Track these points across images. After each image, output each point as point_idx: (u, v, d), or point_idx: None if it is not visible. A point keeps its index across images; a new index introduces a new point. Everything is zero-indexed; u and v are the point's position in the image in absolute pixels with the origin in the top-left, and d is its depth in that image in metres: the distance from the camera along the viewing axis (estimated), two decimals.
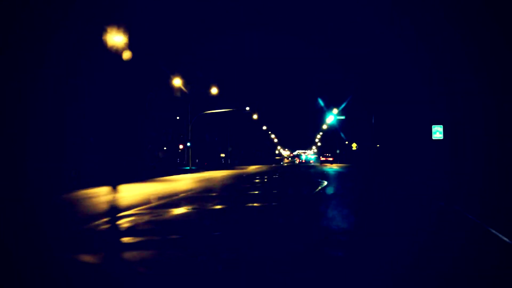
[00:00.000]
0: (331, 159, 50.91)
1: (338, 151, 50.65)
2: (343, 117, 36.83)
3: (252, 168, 33.91)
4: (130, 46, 19.85)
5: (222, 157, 49.29)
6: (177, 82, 27.19)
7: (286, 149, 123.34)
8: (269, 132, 67.49)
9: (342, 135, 43.44)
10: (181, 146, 32.59)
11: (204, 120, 36.50)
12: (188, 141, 30.29)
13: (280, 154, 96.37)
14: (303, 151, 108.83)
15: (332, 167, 33.34)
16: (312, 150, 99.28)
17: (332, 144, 53.82)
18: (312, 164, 52.44)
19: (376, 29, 30.93)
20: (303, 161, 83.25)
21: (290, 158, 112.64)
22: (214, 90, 30.03)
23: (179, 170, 27.25)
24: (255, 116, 47.87)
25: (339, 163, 46.24)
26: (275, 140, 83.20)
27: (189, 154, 29.91)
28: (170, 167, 30.64)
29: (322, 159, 52.40)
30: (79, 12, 18.39)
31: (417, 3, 23.81)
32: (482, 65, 18.57)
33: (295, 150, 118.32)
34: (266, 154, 65.04)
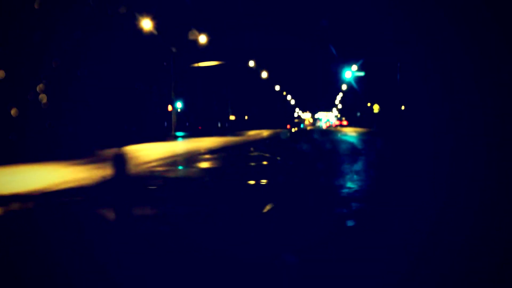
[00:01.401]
0: (345, 123, 47.62)
1: (358, 114, 45.60)
2: (362, 73, 31.63)
3: (252, 134, 30.37)
4: None
5: (232, 120, 44.50)
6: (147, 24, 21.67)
7: (307, 112, 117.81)
8: (284, 93, 62.11)
9: (356, 89, 38.46)
10: (170, 108, 27.72)
11: (200, 79, 31.57)
12: (172, 102, 25.55)
13: (299, 117, 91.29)
14: (325, 113, 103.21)
15: (347, 133, 29.60)
16: (332, 113, 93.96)
17: (352, 106, 49.20)
18: (326, 129, 47.93)
19: None
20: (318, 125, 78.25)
21: (312, 120, 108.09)
22: (202, 39, 24.64)
23: (158, 137, 22.64)
24: (264, 75, 42.82)
25: (358, 127, 41.29)
26: (292, 102, 77.75)
27: (172, 118, 25.26)
28: (154, 132, 25.95)
29: (337, 123, 48.63)
30: None
31: None
32: None
33: (316, 112, 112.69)
34: (282, 117, 59.67)
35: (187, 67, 27.66)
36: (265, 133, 33.08)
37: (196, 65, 26.42)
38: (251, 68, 39.59)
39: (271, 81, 50.62)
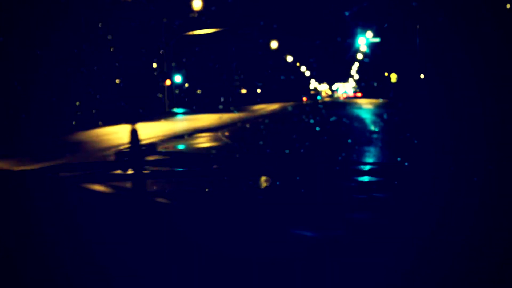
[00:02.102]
0: (359, 94, 45.57)
1: (375, 84, 43.07)
2: (377, 39, 28.97)
3: (258, 108, 28.78)
4: None
5: (243, 93, 42.22)
6: None
7: (324, 83, 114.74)
8: (297, 64, 59.32)
9: (371, 58, 35.99)
10: (168, 82, 25.50)
11: (203, 50, 29.13)
12: (165, 76, 23.36)
13: (315, 89, 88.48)
14: (342, 83, 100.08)
15: (362, 106, 27.74)
16: (349, 83, 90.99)
17: (368, 76, 46.80)
18: (342, 100, 45.63)
19: None
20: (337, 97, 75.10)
21: (330, 92, 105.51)
22: (203, 4, 22.10)
23: (154, 115, 20.70)
24: (274, 45, 40.33)
25: (374, 99, 39.07)
26: (307, 74, 74.67)
27: (167, 93, 23.13)
28: (152, 109, 23.84)
29: (351, 95, 46.49)
30: None
31: None
32: None
33: (333, 84, 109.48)
34: (296, 90, 56.99)
35: (186, 36, 25.33)
36: (274, 106, 31.28)
37: (191, 33, 23.94)
38: (260, 38, 37.24)
39: (283, 51, 48.07)
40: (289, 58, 52.13)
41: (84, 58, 20.36)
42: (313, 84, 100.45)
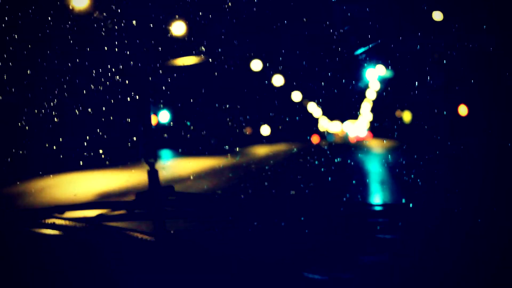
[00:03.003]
0: (362, 136, 42.10)
1: (386, 123, 40.06)
2: (388, 73, 25.98)
3: (260, 149, 27.66)
4: None
5: (247, 133, 39.15)
6: None
7: (336, 121, 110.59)
8: (304, 100, 56.02)
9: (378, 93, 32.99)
10: (154, 120, 22.53)
11: (191, 83, 26.00)
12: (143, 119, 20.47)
13: (326, 129, 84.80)
14: (353, 121, 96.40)
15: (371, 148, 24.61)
16: (359, 121, 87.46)
17: (379, 113, 44.00)
18: (353, 144, 42.47)
19: None
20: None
21: (344, 132, 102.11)
22: (179, 29, 19.09)
23: (126, 158, 17.91)
24: (279, 80, 37.56)
25: (386, 140, 35.90)
26: (317, 112, 71.07)
27: (144, 134, 20.22)
28: (125, 152, 20.83)
29: (363, 137, 42.95)
30: None
31: None
32: None
33: (344, 121, 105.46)
34: (305, 129, 53.71)
35: (175, 68, 22.44)
36: (280, 147, 29.52)
37: (173, 62, 20.96)
38: (265, 73, 34.40)
39: (289, 88, 45.14)
40: (296, 95, 49.11)
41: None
42: (324, 122, 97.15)
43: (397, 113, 35.95)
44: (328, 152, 25.54)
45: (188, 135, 27.31)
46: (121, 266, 1.93)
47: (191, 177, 13.83)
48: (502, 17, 16.37)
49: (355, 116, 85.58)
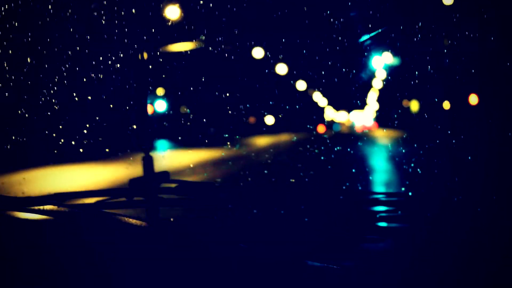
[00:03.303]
0: (368, 126, 41.20)
1: (396, 115, 39.22)
2: (395, 61, 24.93)
3: (255, 143, 26.79)
4: None
5: (251, 122, 38.33)
6: None
7: (343, 110, 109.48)
8: (309, 90, 55.02)
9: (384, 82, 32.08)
10: (150, 110, 21.76)
11: (190, 70, 25.10)
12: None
13: (332, 118, 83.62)
14: (359, 111, 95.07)
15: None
16: (365, 111, 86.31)
17: (386, 103, 43.26)
18: (359, 133, 41.79)
19: None
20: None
21: (350, 122, 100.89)
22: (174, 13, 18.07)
23: (119, 150, 17.32)
24: (282, 69, 36.64)
25: (393, 129, 35.18)
26: (325, 101, 69.82)
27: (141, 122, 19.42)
28: (118, 142, 20.10)
29: (369, 126, 41.97)
30: None
31: None
32: None
33: (351, 111, 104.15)
34: (310, 118, 52.86)
35: (172, 53, 21.55)
36: (283, 137, 29.43)
37: (170, 48, 20.04)
38: (267, 60, 33.51)
39: (292, 76, 44.29)
40: (301, 84, 48.22)
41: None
42: (330, 111, 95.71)
43: (404, 102, 35.10)
44: (330, 141, 24.88)
45: (188, 123, 26.52)
46: (113, 253, 1.95)
47: (190, 167, 13.31)
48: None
49: (361, 106, 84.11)
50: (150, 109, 22.10)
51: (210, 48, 22.33)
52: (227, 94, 30.05)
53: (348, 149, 17.99)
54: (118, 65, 20.57)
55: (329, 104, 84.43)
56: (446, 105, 26.75)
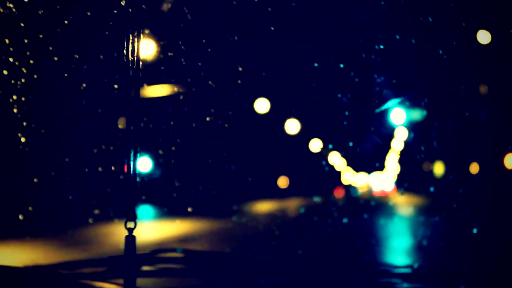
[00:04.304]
0: (387, 191, 38.27)
1: (418, 177, 36.14)
2: (420, 114, 21.66)
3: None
4: None
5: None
6: None
7: (362, 172, 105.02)
8: (325, 150, 51.80)
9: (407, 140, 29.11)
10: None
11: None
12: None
13: (350, 182, 79.49)
14: (379, 173, 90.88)
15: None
16: (385, 173, 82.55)
17: (408, 166, 40.59)
18: (377, 197, 39.01)
19: None
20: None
21: (370, 186, 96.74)
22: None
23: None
24: (293, 127, 33.82)
25: (416, 194, 32.17)
26: (339, 164, 66.10)
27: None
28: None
29: (389, 191, 38.92)
30: None
31: None
32: None
33: (371, 173, 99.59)
34: (326, 182, 49.67)
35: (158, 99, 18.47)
36: (295, 202, 26.94)
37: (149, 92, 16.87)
38: (276, 116, 30.82)
39: (305, 135, 41.40)
40: (318, 145, 44.94)
41: None
42: (348, 174, 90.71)
43: (426, 165, 32.26)
44: (342, 208, 23.22)
45: (177, 184, 23.37)
46: None
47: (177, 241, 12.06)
48: None
49: (381, 167, 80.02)
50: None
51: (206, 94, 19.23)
52: (226, 154, 27.07)
53: (360, 218, 17.00)
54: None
55: (348, 165, 80.00)
56: (474, 168, 23.79)
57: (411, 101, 21.86)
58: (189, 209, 18.12)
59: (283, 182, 41.58)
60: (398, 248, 11.33)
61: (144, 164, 19.16)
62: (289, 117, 33.59)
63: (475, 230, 11.98)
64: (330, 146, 49.69)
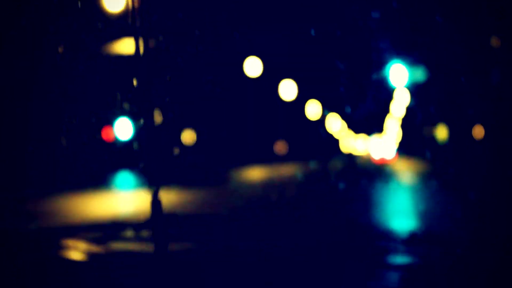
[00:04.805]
0: (388, 158, 37.55)
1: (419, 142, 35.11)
2: (420, 76, 20.43)
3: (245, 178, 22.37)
4: None
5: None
6: None
7: (362, 134, 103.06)
8: (324, 112, 50.57)
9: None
10: (110, 134, 17.42)
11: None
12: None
13: (349, 146, 78.19)
14: (378, 135, 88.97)
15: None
16: (386, 136, 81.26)
17: (410, 127, 39.66)
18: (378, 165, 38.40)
19: None
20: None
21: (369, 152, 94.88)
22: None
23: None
24: (290, 88, 32.57)
25: (417, 158, 31.33)
26: (341, 126, 64.97)
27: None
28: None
29: (390, 158, 38.11)
30: None
31: None
32: None
33: (371, 134, 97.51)
34: (322, 146, 48.75)
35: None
36: (289, 168, 25.52)
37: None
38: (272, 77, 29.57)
39: (302, 98, 40.28)
40: (312, 106, 43.91)
41: None
42: (347, 140, 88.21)
43: (427, 130, 31.91)
44: (341, 175, 22.71)
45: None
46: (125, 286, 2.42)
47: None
48: None
49: (381, 130, 78.29)
50: (109, 134, 17.34)
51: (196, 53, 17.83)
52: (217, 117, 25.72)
53: (359, 184, 17.22)
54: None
55: (347, 127, 78.27)
56: (479, 132, 22.70)
57: (414, 60, 20.62)
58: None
59: (280, 147, 40.55)
60: (396, 213, 11.33)
61: (125, 128, 17.66)
62: (284, 78, 32.41)
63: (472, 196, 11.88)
64: (327, 112, 49.04)
